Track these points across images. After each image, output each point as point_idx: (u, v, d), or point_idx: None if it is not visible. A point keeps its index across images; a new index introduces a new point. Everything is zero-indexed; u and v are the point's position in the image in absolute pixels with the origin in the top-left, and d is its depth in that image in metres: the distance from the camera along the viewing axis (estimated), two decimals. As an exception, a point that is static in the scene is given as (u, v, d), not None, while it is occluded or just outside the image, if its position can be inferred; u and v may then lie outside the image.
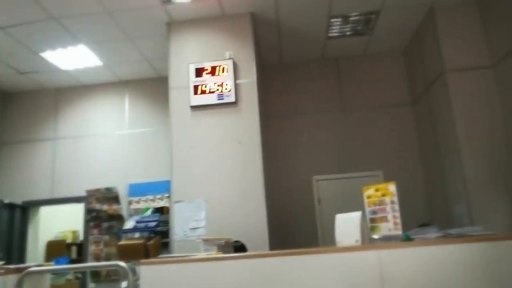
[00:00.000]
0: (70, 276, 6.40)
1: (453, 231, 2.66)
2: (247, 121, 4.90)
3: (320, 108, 6.38)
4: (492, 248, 2.48)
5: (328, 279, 2.50)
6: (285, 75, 6.58)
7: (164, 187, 5.81)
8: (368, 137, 6.18)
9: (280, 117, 6.40)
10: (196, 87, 4.99)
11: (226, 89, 4.94)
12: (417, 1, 5.18)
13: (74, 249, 6.83)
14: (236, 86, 4.97)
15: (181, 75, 5.10)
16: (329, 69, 6.53)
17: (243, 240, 3.90)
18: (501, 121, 4.83)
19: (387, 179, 5.46)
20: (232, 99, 4.91)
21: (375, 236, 2.87)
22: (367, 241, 2.73)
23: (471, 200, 4.67)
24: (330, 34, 5.85)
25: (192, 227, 4.55)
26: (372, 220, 2.94)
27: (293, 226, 5.93)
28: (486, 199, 4.64)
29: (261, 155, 4.78)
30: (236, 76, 5.00)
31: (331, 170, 6.09)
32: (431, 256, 2.49)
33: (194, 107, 4.97)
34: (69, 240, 6.98)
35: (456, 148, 4.92)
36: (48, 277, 3.64)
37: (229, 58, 5.04)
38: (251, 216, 4.55)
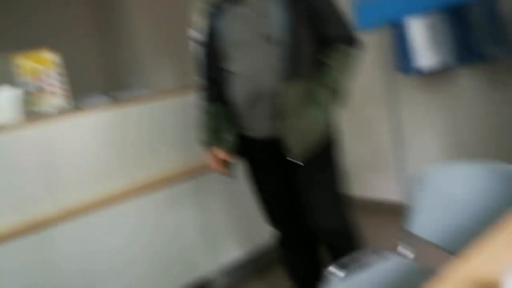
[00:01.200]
0: None
1: (119, 94, 2.65)
2: None
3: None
4: (159, 106, 2.62)
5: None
6: None
7: None
8: (38, 11, 5.19)
9: None
10: None
11: None
12: None
13: None
14: None
15: None
16: None
17: None
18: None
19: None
20: None
21: (38, 110, 2.51)
22: (27, 117, 2.37)
23: (143, 69, 4.89)
24: None
25: None
26: (31, 94, 2.54)
27: None
28: (155, 66, 4.95)
29: None
30: None
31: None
32: (99, 121, 2.43)
33: None
34: None
35: (130, 22, 4.91)
36: None
37: None
38: None
